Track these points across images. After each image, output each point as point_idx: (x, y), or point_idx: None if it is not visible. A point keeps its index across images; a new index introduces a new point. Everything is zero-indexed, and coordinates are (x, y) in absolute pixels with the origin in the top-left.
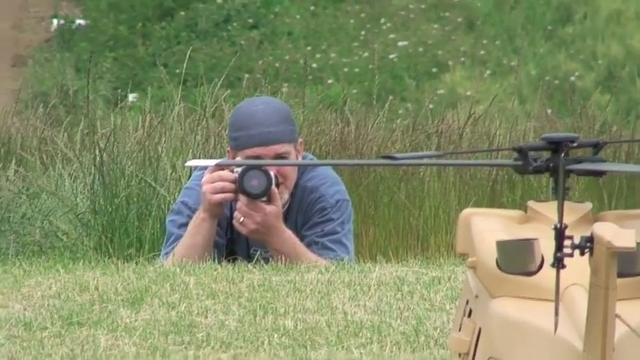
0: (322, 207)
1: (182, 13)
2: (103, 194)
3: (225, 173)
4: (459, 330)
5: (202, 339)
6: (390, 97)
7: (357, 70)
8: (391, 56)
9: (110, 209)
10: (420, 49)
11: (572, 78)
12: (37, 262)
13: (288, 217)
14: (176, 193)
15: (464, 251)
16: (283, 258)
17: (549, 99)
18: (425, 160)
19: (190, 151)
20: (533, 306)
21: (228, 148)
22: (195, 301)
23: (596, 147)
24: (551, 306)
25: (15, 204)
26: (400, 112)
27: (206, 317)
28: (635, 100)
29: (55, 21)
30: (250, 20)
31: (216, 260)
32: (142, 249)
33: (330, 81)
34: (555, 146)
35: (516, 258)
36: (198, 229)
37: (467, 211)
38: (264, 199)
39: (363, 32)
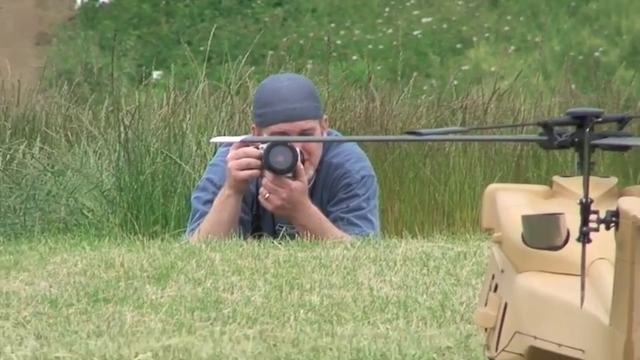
0: (348, 183)
1: None
2: (128, 171)
3: (251, 149)
4: (485, 305)
5: (228, 315)
6: (415, 74)
7: (381, 46)
8: (415, 33)
9: (135, 186)
10: (445, 26)
11: (597, 53)
12: (63, 240)
13: (313, 193)
14: (201, 170)
15: (489, 226)
16: (309, 234)
17: (574, 74)
18: (450, 136)
19: (215, 128)
20: (559, 280)
21: (253, 125)
22: (221, 277)
23: (621, 122)
24: (577, 280)
25: (40, 181)
26: (425, 88)
27: (232, 293)
28: None
29: None
30: None
31: (241, 236)
32: (168, 226)
33: (354, 58)
34: (580, 121)
35: (542, 233)
36: (223, 205)
37: (492, 186)
38: (290, 174)
39: (387, 9)
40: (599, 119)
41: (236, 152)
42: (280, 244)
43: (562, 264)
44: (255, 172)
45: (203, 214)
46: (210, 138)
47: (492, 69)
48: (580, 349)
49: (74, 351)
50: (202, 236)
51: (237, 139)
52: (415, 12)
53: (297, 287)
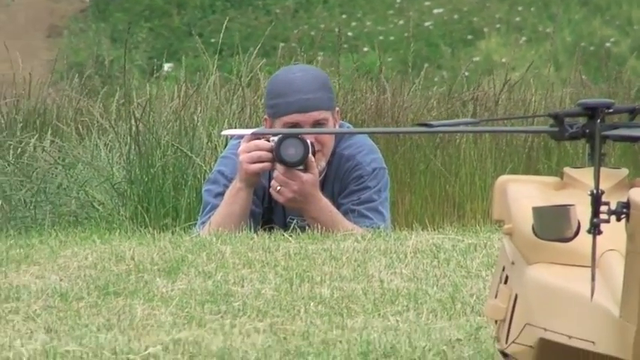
0: (359, 175)
1: None
2: (138, 164)
3: (262, 142)
4: (496, 297)
5: (239, 308)
6: (426, 65)
7: (392, 38)
8: (426, 24)
9: (146, 179)
10: (456, 17)
11: (608, 44)
12: (73, 233)
13: (324, 185)
14: (212, 163)
15: (500, 218)
16: (320, 226)
17: (585, 65)
18: (461, 128)
19: (226, 121)
20: (569, 272)
21: (265, 117)
22: (232, 270)
23: (633, 113)
24: (588, 272)
25: (51, 174)
26: (436, 79)
27: (242, 286)
28: None
29: None
30: None
31: (252, 229)
32: (178, 219)
33: (365, 49)
34: (591, 112)
35: (553, 224)
36: (234, 198)
37: (503, 177)
38: (301, 167)
39: (398, 0)
40: (611, 110)
41: (247, 145)
42: (291, 236)
43: (572, 255)
44: (267, 165)
45: (214, 207)
46: (221, 131)
47: (503, 60)
48: (590, 341)
49: (84, 344)
50: (213, 229)
51: (249, 131)
52: (426, 3)
53: (307, 280)
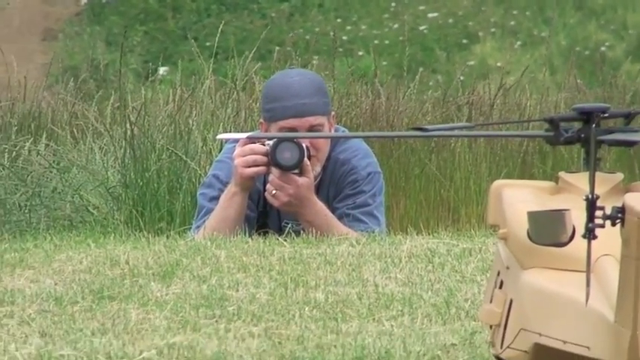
0: (354, 179)
1: None
2: (133, 168)
3: (257, 146)
4: (490, 302)
5: (233, 312)
6: (421, 69)
7: (387, 42)
8: (421, 28)
9: (141, 183)
10: (451, 21)
11: (603, 48)
12: (68, 237)
13: (320, 189)
14: (207, 167)
15: (495, 222)
16: (315, 230)
17: (580, 69)
18: (456, 132)
19: (221, 125)
20: (564, 277)
21: (261, 121)
22: (226, 274)
23: (628, 117)
24: (583, 277)
25: (46, 178)
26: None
27: (237, 290)
28: None
29: None
30: None
31: (247, 233)
32: (173, 223)
33: (360, 53)
34: (587, 117)
35: (547, 229)
36: (229, 202)
37: (498, 182)
38: (297, 171)
39: (393, 4)
40: (606, 115)
41: (242, 149)
42: (286, 240)
43: (568, 260)
44: (262, 169)
45: (209, 211)
46: (216, 134)
47: (498, 64)
48: (585, 346)
49: (79, 349)
50: (208, 233)
51: (244, 135)
52: (421, 7)
53: (302, 284)
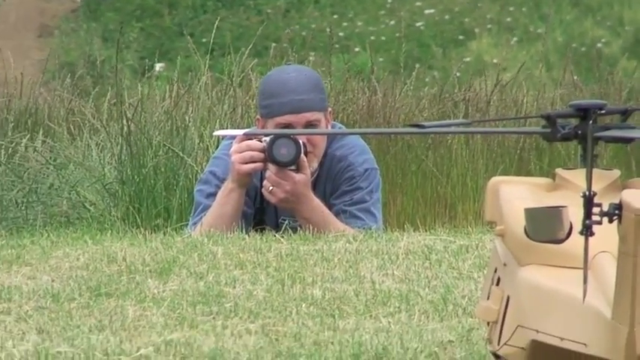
0: (351, 175)
1: None
2: (130, 164)
3: (254, 142)
4: (488, 298)
5: (230, 309)
6: (417, 66)
7: (383, 38)
8: (418, 24)
9: (138, 179)
10: (447, 17)
11: (599, 44)
12: (65, 234)
13: (316, 185)
14: (203, 163)
15: (492, 219)
16: (312, 227)
17: (576, 66)
18: (453, 129)
19: (218, 121)
20: (561, 274)
21: (258, 117)
22: (223, 271)
23: (625, 114)
24: (580, 273)
25: (42, 175)
26: (427, 80)
27: (234, 287)
28: None
29: None
30: None
31: (243, 230)
32: (170, 219)
33: (356, 49)
34: (583, 113)
35: (545, 226)
36: (226, 199)
37: (495, 179)
38: (294, 167)
39: (389, 0)
40: (603, 111)
41: (239, 145)
42: (282, 237)
43: (565, 257)
44: (259, 165)
45: (206, 208)
46: (213, 131)
47: (495, 60)
48: (582, 343)
49: (76, 345)
50: (205, 230)
51: (241, 131)
52: (418, 3)
53: (299, 281)
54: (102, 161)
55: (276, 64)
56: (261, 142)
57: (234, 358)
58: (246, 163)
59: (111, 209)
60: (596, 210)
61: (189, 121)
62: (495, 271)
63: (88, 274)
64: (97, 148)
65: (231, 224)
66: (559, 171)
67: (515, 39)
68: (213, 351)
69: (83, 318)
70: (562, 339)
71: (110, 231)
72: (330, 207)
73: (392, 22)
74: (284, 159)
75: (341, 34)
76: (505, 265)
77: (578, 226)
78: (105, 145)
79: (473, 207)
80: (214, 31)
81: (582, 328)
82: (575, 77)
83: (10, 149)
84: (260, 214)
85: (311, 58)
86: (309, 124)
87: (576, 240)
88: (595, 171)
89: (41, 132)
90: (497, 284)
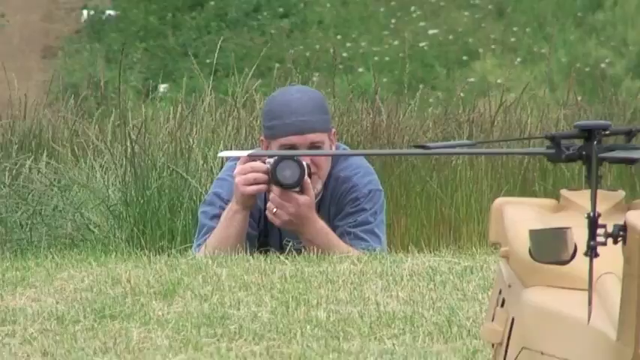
0: (355, 197)
1: (212, 2)
2: (134, 186)
3: (258, 164)
4: (492, 320)
5: (235, 331)
6: (421, 86)
7: (387, 58)
8: (421, 44)
9: (142, 201)
10: (451, 37)
11: (603, 65)
12: (69, 255)
13: (320, 207)
14: (208, 185)
15: (496, 241)
16: (316, 248)
17: (580, 86)
18: (457, 150)
19: (222, 142)
20: (566, 295)
21: (262, 138)
22: (228, 293)
23: (629, 134)
24: (585, 295)
25: (47, 196)
26: (431, 100)
27: (238, 309)
28: None
29: (85, 12)
30: (280, 9)
31: (248, 252)
32: (174, 241)
33: (360, 70)
34: (588, 134)
35: (549, 247)
36: (230, 221)
37: (500, 200)
38: (297, 189)
39: (393, 20)
40: (607, 132)
41: (243, 167)
42: (287, 259)
43: (569, 278)
44: (262, 187)
45: (210, 229)
46: (217, 152)
47: (499, 81)
48: None
49: None
50: (209, 251)
51: (245, 153)
52: (421, 24)
53: (303, 303)
54: (106, 183)
55: (280, 84)
56: (265, 163)
57: None
58: (250, 184)
59: (115, 231)
60: (600, 231)
61: (193, 143)
62: (500, 292)
63: (92, 296)
64: (101, 169)
65: (236, 246)
66: (563, 192)
67: (519, 59)
68: None
69: (88, 340)
70: None
71: (114, 253)
72: (334, 228)
73: (395, 43)
74: (288, 181)
75: (344, 54)
76: (510, 286)
77: (582, 248)
78: (109, 167)
79: (477, 228)
80: (217, 51)
81: (587, 349)
82: (579, 98)
83: (15, 171)
84: (264, 235)
85: (315, 79)
86: (313, 145)
87: (581, 261)
88: (599, 192)
89: (45, 153)
90: (502, 306)
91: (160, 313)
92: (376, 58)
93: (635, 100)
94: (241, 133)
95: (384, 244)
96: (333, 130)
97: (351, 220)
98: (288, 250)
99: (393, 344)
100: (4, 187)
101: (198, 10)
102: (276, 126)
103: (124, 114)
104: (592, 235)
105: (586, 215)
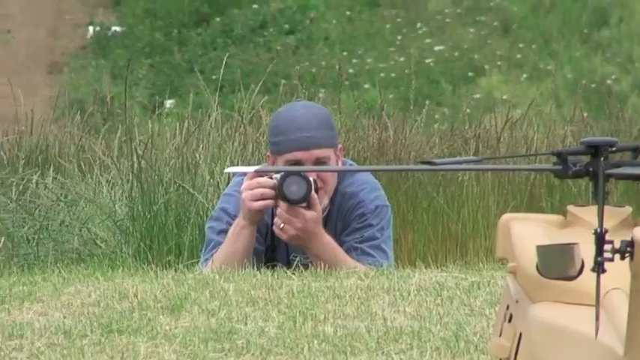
0: (362, 213)
1: (218, 19)
2: (141, 201)
3: (265, 180)
4: (500, 335)
5: (242, 346)
6: (427, 102)
7: (393, 75)
8: (427, 61)
9: (149, 216)
10: (456, 54)
11: (609, 81)
12: (76, 270)
13: (327, 222)
14: (214, 200)
15: (504, 256)
16: (323, 264)
17: (586, 102)
18: (464, 166)
19: (228, 158)
20: (573, 311)
21: (268, 153)
22: (235, 307)
23: (636, 151)
24: (592, 311)
25: (53, 211)
26: (437, 116)
27: (246, 324)
28: None
29: (90, 28)
30: (286, 26)
31: (255, 267)
32: (181, 256)
33: (366, 86)
34: (594, 150)
35: (556, 263)
36: (237, 236)
37: (507, 216)
38: (304, 204)
39: (399, 37)
40: (614, 148)
41: (250, 183)
42: (294, 274)
43: (576, 294)
44: (269, 202)
45: (217, 244)
46: (224, 168)
47: (504, 97)
48: None
49: None
50: (216, 267)
51: (252, 169)
52: (427, 40)
53: (310, 318)
54: (113, 198)
55: (286, 100)
56: (272, 179)
57: None
58: (257, 200)
59: (122, 246)
60: (607, 247)
61: (200, 158)
62: (507, 307)
63: (99, 311)
64: (108, 184)
65: (243, 261)
66: (570, 208)
67: (524, 75)
68: None
69: (95, 355)
70: None
71: (121, 268)
72: (340, 244)
73: (401, 59)
74: (294, 196)
75: (351, 70)
76: (517, 301)
77: (589, 263)
78: (116, 182)
79: (484, 244)
80: (223, 67)
81: None
82: (585, 114)
83: (21, 186)
84: (271, 250)
85: (321, 95)
86: (319, 161)
87: (588, 277)
88: (606, 208)
89: (52, 169)
90: (510, 321)
91: (167, 327)
92: (382, 75)
93: None
94: (248, 149)
95: (391, 259)
96: (340, 145)
97: (357, 236)
98: (295, 265)
99: (401, 359)
100: (11, 202)
101: (204, 26)
102: (282, 142)
103: (130, 129)
104: (599, 251)
105: (593, 231)
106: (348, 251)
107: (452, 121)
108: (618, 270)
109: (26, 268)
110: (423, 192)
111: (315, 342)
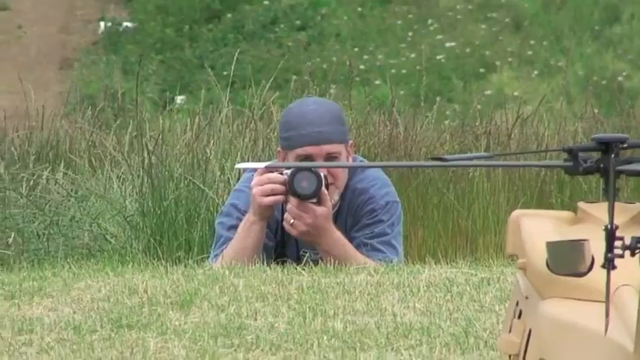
0: (372, 208)
1: (229, 15)
2: (151, 197)
3: (275, 175)
4: (509, 331)
5: (252, 341)
6: (438, 98)
7: (404, 71)
8: (438, 57)
9: (159, 212)
10: (468, 50)
11: (620, 78)
12: (86, 265)
13: (337, 218)
14: (225, 196)
15: (514, 252)
16: (333, 259)
17: (597, 99)
18: (474, 162)
19: (239, 154)
20: (583, 307)
21: (279, 149)
22: (245, 303)
23: None
24: (602, 307)
25: (64, 207)
26: (448, 113)
27: (255, 320)
28: None
29: (102, 24)
30: (297, 22)
31: (265, 262)
32: (191, 251)
33: (377, 82)
34: (605, 147)
35: (566, 259)
36: (248, 232)
37: (517, 212)
38: (315, 200)
39: (410, 33)
40: (625, 145)
41: (260, 178)
42: (304, 269)
43: (586, 290)
44: (280, 197)
45: (227, 240)
46: (234, 163)
47: (515, 93)
48: None
49: None
50: (226, 262)
51: (262, 164)
52: (438, 36)
53: (320, 313)
54: (123, 193)
55: (297, 96)
56: (282, 174)
57: None
58: (267, 195)
59: (132, 241)
60: (618, 243)
61: (211, 154)
62: (517, 304)
63: (109, 306)
64: (118, 180)
65: (253, 257)
66: (581, 204)
67: (535, 72)
68: None
69: (105, 350)
70: None
71: (131, 263)
72: (350, 240)
73: (413, 55)
74: (305, 192)
75: (362, 66)
76: (527, 298)
77: (600, 260)
78: (126, 178)
79: (494, 240)
80: (234, 63)
81: None
82: (596, 110)
83: (32, 181)
84: (281, 246)
85: (332, 91)
86: (329, 156)
87: (598, 273)
88: (617, 204)
89: (62, 164)
90: (519, 317)
91: (176, 323)
92: (393, 71)
93: None
94: (258, 145)
95: (401, 255)
96: (351, 141)
97: (367, 232)
98: (305, 261)
99: (410, 355)
100: (21, 197)
101: (215, 22)
102: (293, 137)
103: (141, 125)
104: (609, 247)
105: (603, 227)
106: (358, 247)
107: (463, 118)
108: (628, 266)
109: (36, 264)
110: (433, 188)
111: (325, 338)
